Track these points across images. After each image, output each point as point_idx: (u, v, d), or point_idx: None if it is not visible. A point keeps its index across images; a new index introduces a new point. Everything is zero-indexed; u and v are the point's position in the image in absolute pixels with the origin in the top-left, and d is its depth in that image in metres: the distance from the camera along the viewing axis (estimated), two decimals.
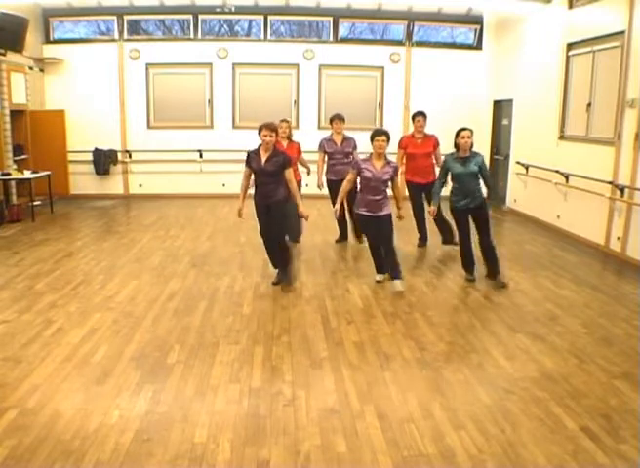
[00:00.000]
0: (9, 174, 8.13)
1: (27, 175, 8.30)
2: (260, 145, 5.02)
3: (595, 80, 7.09)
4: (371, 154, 5.13)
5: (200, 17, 10.18)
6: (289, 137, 6.54)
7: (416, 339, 4.04)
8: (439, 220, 6.42)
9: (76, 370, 3.47)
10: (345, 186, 5.24)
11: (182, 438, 2.76)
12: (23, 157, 8.98)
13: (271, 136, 4.92)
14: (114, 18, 10.06)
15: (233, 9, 9.27)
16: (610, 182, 6.55)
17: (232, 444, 2.72)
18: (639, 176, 6.13)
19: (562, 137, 7.86)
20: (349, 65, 10.37)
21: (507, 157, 9.69)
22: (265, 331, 4.15)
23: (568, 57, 7.68)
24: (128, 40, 10.13)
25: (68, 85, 9.98)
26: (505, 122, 9.86)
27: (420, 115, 6.59)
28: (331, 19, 10.32)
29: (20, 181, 8.36)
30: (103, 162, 10.07)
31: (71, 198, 9.86)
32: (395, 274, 5.17)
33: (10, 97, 8.55)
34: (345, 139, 6.75)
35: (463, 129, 5.25)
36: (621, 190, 6.38)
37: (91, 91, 10.03)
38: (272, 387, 3.30)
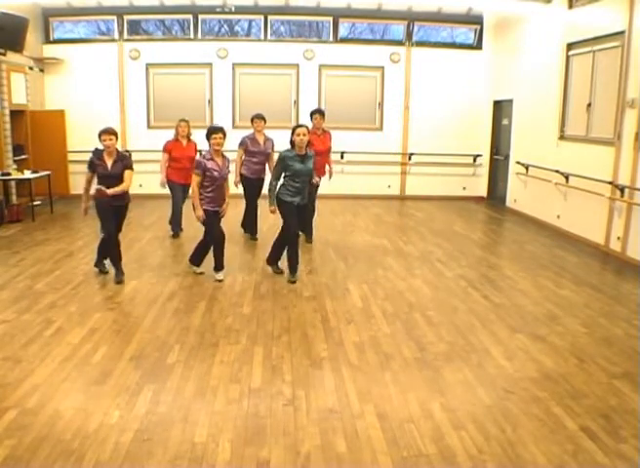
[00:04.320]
0: (9, 174, 8.13)
1: (27, 175, 8.30)
2: (103, 151, 5.12)
3: (595, 80, 7.09)
4: (209, 153, 5.18)
5: (200, 17, 10.19)
6: (188, 137, 6.77)
7: (416, 339, 4.04)
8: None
9: (76, 370, 3.47)
10: (195, 190, 5.16)
11: (182, 438, 2.76)
12: (23, 157, 8.98)
13: (111, 140, 5.05)
14: (114, 18, 10.07)
15: (233, 9, 9.29)
16: (610, 182, 6.55)
17: (232, 444, 2.72)
18: (639, 176, 6.14)
19: (562, 137, 7.86)
20: (349, 65, 10.37)
21: (507, 157, 9.69)
22: (265, 331, 4.15)
23: (568, 57, 7.69)
24: (128, 40, 10.13)
25: (68, 85, 9.98)
26: (505, 122, 9.87)
27: (317, 113, 6.61)
28: (331, 19, 10.32)
29: (19, 181, 8.36)
30: None
31: (71, 198, 9.83)
32: (218, 266, 5.41)
33: (10, 97, 8.55)
34: (267, 140, 6.73)
35: (300, 126, 5.13)
36: (621, 190, 6.38)
37: (91, 91, 10.03)
38: (272, 387, 3.30)
